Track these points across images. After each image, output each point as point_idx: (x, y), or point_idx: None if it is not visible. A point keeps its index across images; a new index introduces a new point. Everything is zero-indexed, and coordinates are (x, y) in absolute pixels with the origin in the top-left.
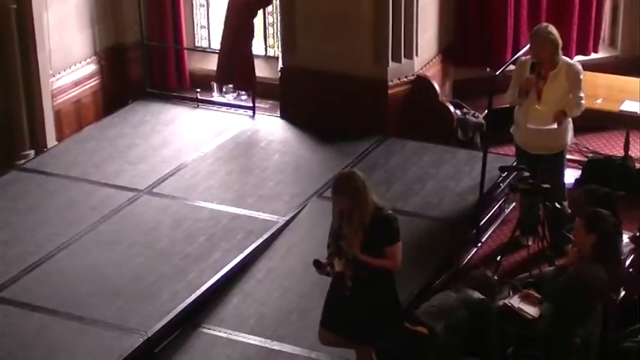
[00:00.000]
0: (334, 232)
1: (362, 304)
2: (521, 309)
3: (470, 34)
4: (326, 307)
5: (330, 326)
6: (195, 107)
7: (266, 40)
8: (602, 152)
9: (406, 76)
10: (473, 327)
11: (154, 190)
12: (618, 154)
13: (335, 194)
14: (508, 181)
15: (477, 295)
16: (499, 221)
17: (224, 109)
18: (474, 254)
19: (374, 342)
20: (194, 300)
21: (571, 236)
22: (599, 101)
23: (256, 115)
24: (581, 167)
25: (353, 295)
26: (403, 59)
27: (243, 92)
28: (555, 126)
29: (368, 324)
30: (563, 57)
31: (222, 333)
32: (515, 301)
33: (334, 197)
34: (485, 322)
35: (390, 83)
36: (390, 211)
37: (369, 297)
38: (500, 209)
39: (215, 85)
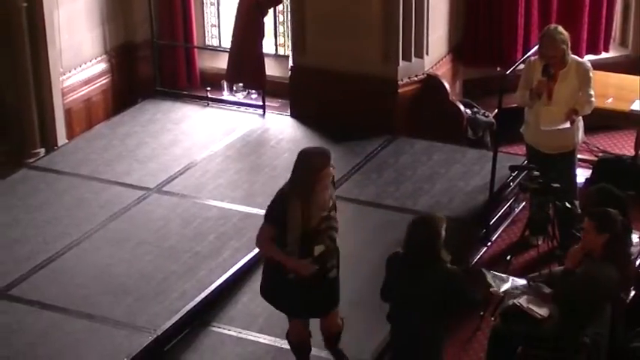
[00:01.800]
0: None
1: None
2: (531, 308)
3: (480, 33)
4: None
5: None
6: (205, 106)
7: (276, 39)
8: (613, 152)
9: (416, 75)
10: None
11: (164, 189)
12: (629, 154)
13: (326, 170)
14: (518, 180)
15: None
16: (509, 221)
17: (234, 107)
18: (483, 253)
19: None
20: (203, 298)
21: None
22: (609, 101)
23: (266, 113)
24: (591, 167)
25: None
26: (413, 58)
27: (254, 91)
28: (568, 125)
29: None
30: (572, 55)
31: (231, 332)
32: (524, 301)
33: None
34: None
35: (400, 82)
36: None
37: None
38: (510, 209)
39: (225, 83)
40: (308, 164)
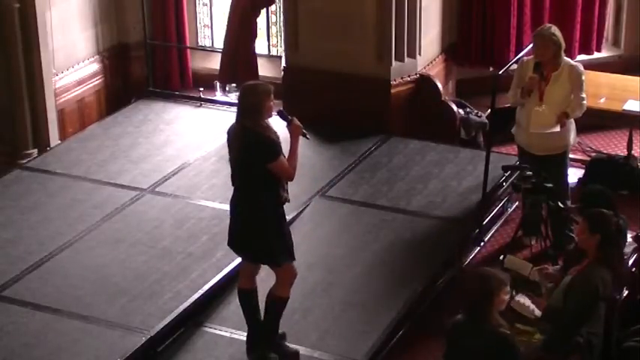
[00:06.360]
0: None
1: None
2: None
3: (473, 33)
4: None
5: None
6: (198, 106)
7: (269, 39)
8: (605, 151)
9: (409, 75)
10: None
11: (157, 189)
12: (621, 154)
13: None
14: (511, 180)
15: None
16: (502, 221)
17: (227, 108)
18: (476, 254)
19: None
20: (197, 299)
21: (574, 236)
22: (602, 100)
23: None
24: (584, 166)
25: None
26: (406, 58)
27: None
28: (558, 129)
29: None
30: (565, 58)
31: (224, 332)
32: (520, 297)
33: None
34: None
35: (392, 82)
36: None
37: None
38: (503, 209)
39: (218, 84)
40: (256, 95)
